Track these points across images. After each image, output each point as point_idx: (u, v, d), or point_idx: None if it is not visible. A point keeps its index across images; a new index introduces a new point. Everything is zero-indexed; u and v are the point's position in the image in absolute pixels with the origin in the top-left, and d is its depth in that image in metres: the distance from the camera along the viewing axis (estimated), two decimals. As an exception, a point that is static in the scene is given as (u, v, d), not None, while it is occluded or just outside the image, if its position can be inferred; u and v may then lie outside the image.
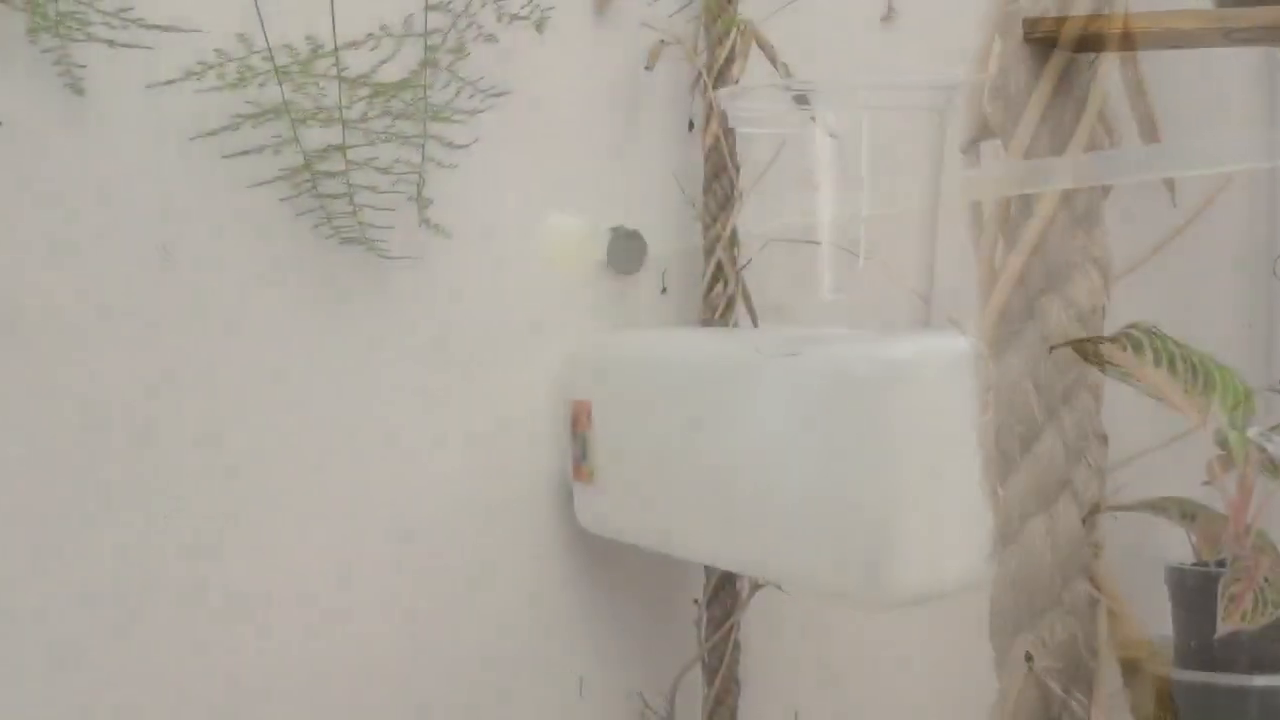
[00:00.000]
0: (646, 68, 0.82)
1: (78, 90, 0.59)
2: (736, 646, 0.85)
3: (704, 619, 0.85)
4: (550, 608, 0.83)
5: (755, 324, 0.79)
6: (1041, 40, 0.61)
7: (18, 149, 0.59)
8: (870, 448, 0.59)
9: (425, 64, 0.69)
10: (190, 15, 0.61)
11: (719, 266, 0.84)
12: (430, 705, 0.77)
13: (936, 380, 0.61)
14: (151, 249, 0.63)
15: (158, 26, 0.58)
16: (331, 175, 0.67)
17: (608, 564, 0.85)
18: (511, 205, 0.79)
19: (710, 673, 0.85)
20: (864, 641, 1.00)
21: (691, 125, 0.84)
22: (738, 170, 0.79)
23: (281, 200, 0.66)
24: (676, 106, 0.83)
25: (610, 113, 0.84)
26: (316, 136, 0.67)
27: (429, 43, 0.70)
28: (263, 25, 0.61)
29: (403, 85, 0.68)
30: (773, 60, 0.83)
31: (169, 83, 0.61)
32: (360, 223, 0.69)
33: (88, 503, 0.62)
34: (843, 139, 0.65)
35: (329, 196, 0.68)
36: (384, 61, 0.68)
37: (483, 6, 0.72)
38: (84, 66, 0.59)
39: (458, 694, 0.78)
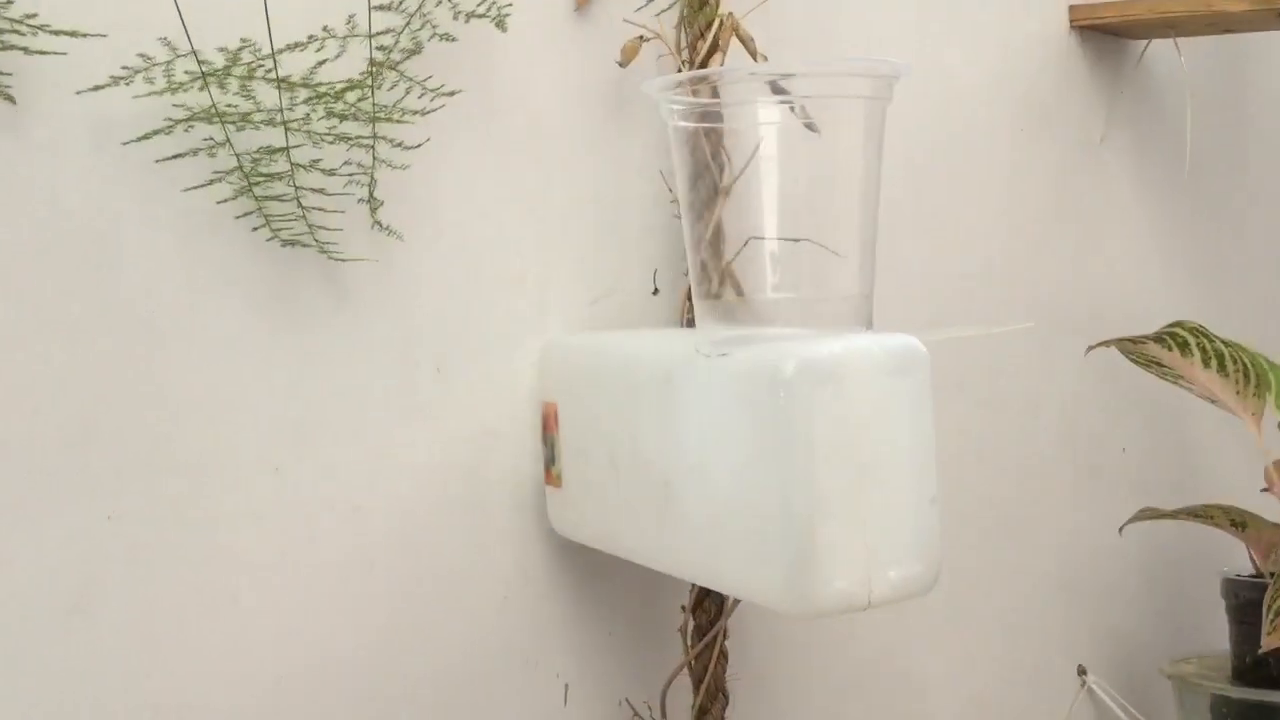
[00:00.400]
0: (619, 64, 0.81)
1: (9, 98, 0.60)
2: (724, 655, 0.83)
3: (690, 626, 0.83)
4: (531, 614, 0.82)
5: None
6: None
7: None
8: (793, 451, 0.56)
9: (372, 64, 0.69)
10: (109, 19, 0.61)
11: (702, 265, 0.82)
12: (407, 716, 0.76)
13: (865, 382, 0.58)
14: (91, 252, 0.64)
15: (66, 32, 0.58)
16: (275, 178, 0.67)
17: (590, 569, 0.83)
18: (478, 204, 0.78)
19: (695, 682, 0.83)
20: (865, 653, 0.96)
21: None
22: (721, 168, 0.77)
23: (218, 204, 0.67)
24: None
25: (588, 111, 0.83)
26: (258, 138, 0.67)
27: (378, 44, 0.70)
28: (185, 26, 0.61)
29: (348, 87, 0.68)
30: (752, 54, 0.81)
31: (97, 89, 0.62)
32: (310, 225, 0.69)
33: (30, 504, 0.63)
34: (791, 131, 0.63)
35: (273, 199, 0.68)
36: (324, 62, 0.68)
37: (437, 5, 0.72)
38: (10, 74, 0.60)
39: (436, 703, 0.78)
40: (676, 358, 0.65)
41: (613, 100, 0.84)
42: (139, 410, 0.66)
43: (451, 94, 0.73)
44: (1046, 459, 1.15)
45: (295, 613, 0.72)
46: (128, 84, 0.63)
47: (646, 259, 0.86)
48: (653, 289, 0.87)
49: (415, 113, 0.72)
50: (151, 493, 0.67)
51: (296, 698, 0.72)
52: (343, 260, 0.72)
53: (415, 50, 0.71)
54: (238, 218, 0.68)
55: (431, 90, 0.72)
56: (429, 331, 0.76)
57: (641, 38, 0.82)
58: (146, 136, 0.64)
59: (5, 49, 0.58)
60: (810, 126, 0.75)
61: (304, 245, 0.70)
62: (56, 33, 0.59)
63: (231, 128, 0.66)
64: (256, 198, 0.67)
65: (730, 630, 0.83)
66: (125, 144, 0.64)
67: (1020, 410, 1.12)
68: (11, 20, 0.57)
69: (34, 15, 0.58)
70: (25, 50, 0.59)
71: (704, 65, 0.80)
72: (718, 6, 0.80)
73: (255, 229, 0.68)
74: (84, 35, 0.60)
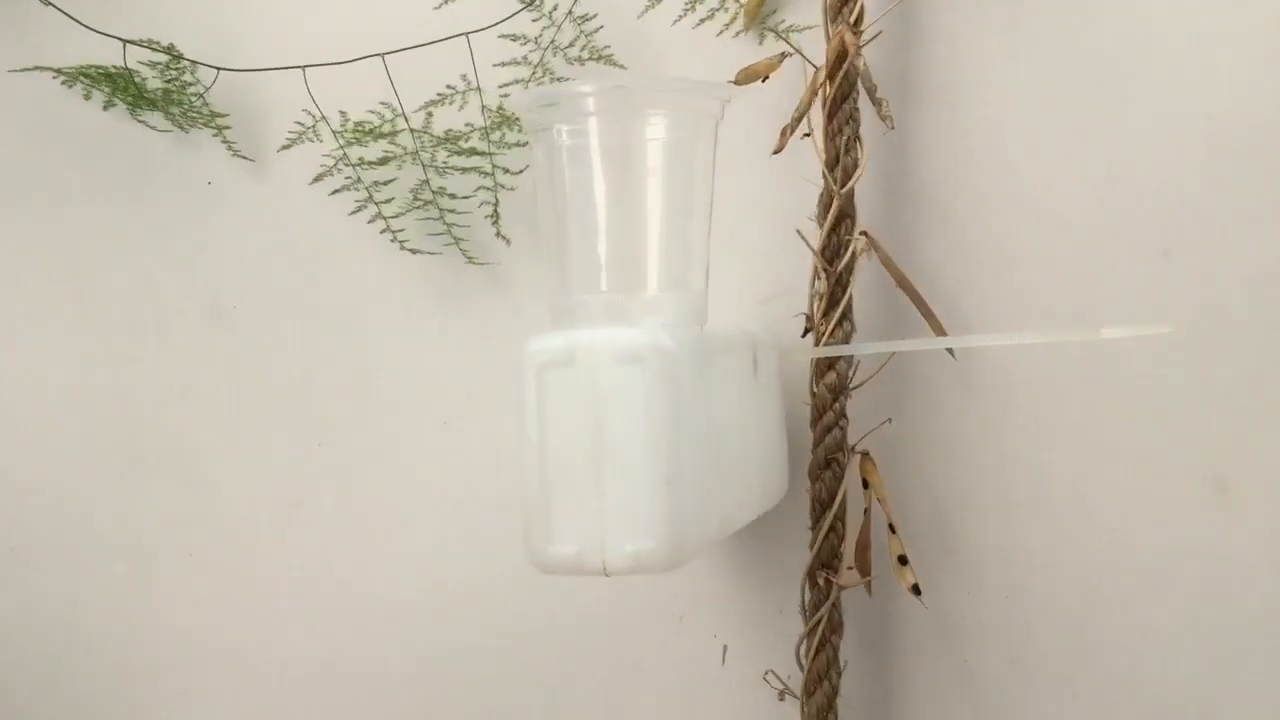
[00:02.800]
0: (733, 82, 0.88)
1: (248, 158, 0.92)
2: (837, 628, 0.85)
3: (805, 598, 0.86)
4: (687, 569, 0.92)
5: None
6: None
7: (224, 198, 0.93)
8: (532, 425, 0.65)
9: (486, 113, 0.88)
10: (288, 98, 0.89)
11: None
12: (569, 673, 0.93)
13: (595, 368, 0.63)
14: (313, 258, 0.93)
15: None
16: (427, 203, 0.90)
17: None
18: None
19: (810, 653, 0.86)
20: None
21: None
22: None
23: (392, 217, 0.91)
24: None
25: (758, 116, 0.89)
26: (411, 175, 0.90)
27: (502, 92, 0.88)
28: (314, 100, 0.87)
29: (469, 132, 0.88)
30: (870, 91, 0.82)
31: (285, 148, 0.91)
32: (454, 239, 0.91)
33: (265, 430, 0.94)
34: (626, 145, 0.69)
35: (427, 220, 0.91)
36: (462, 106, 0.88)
37: (554, 55, 0.88)
38: (235, 143, 0.91)
39: (595, 660, 0.93)
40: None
41: (784, 107, 0.90)
42: (346, 372, 0.93)
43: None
44: None
45: (456, 541, 0.94)
46: (311, 140, 0.90)
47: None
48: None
49: (520, 145, 0.89)
50: (352, 431, 0.94)
51: (455, 615, 0.93)
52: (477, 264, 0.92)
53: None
54: (394, 234, 0.92)
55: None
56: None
57: (784, 54, 0.87)
58: (319, 178, 0.91)
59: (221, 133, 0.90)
60: (889, 121, 0.78)
61: (455, 251, 0.91)
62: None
63: (394, 165, 0.90)
64: (422, 218, 0.89)
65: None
66: (312, 182, 0.91)
67: None
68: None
69: (225, 115, 0.89)
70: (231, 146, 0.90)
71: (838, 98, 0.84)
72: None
73: (403, 245, 0.91)
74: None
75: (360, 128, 0.86)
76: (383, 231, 0.90)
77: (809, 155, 0.84)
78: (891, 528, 0.87)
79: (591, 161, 0.68)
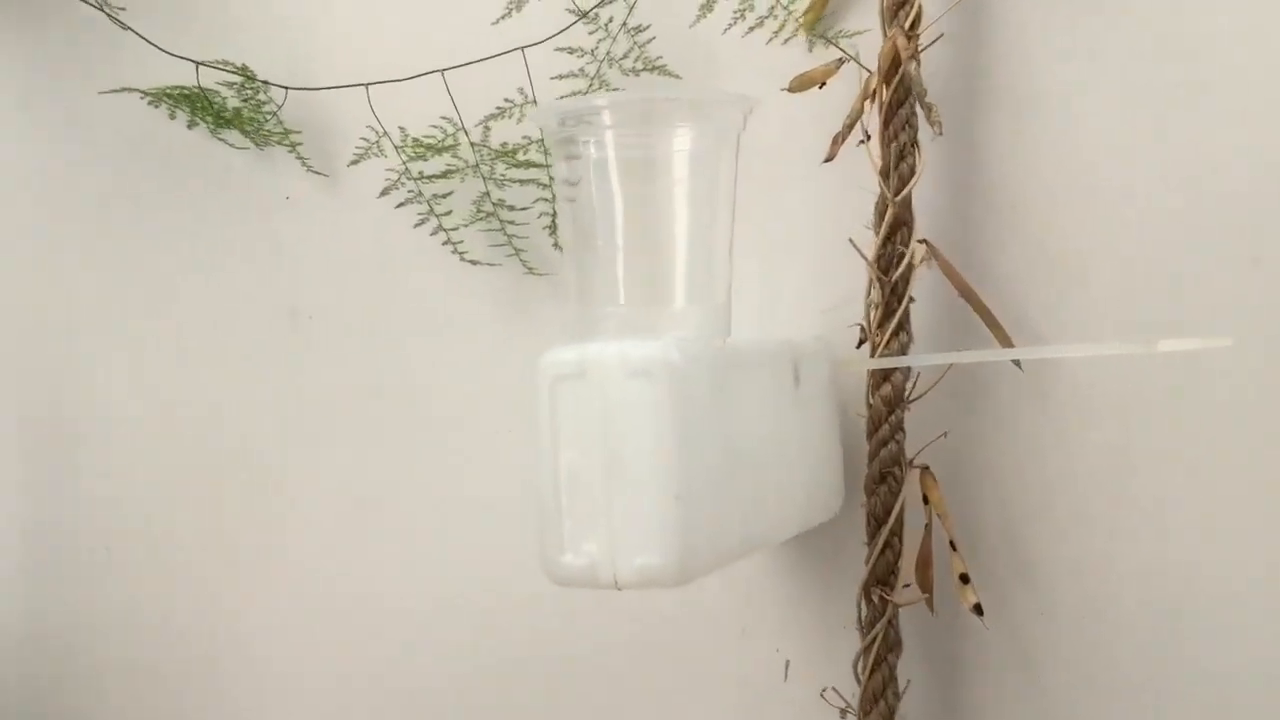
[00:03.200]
0: (787, 89, 0.86)
1: (322, 173, 0.95)
2: (894, 645, 0.84)
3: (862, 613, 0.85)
4: (747, 583, 0.92)
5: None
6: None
7: (300, 211, 0.97)
8: (546, 437, 0.65)
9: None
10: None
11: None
12: (630, 685, 0.93)
13: (606, 381, 0.63)
14: (382, 265, 0.96)
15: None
16: (486, 215, 0.91)
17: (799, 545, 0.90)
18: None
19: (867, 671, 0.84)
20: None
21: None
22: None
23: (443, 244, 0.93)
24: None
25: (821, 125, 0.88)
26: (471, 188, 0.92)
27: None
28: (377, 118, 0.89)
29: (528, 145, 0.89)
30: (927, 110, 0.80)
31: (353, 163, 0.93)
32: (515, 249, 0.92)
33: (332, 431, 0.97)
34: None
35: (488, 231, 0.92)
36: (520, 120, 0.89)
37: (609, 67, 0.88)
38: (309, 159, 0.94)
39: (657, 671, 0.93)
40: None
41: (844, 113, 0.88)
42: (412, 378, 0.96)
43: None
44: None
45: (519, 548, 0.94)
46: (376, 155, 0.92)
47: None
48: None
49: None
50: (417, 434, 0.96)
51: (517, 621, 0.94)
52: (539, 274, 0.92)
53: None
54: (454, 246, 0.93)
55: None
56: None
57: (841, 60, 0.86)
58: (385, 192, 0.93)
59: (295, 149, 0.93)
60: (937, 127, 0.76)
61: (537, 271, 0.92)
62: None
63: (456, 178, 0.91)
64: (485, 229, 0.91)
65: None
66: (379, 196, 0.94)
67: None
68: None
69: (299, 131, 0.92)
70: (305, 164, 0.93)
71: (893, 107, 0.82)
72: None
73: (464, 256, 0.93)
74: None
75: (419, 143, 0.88)
76: (444, 243, 0.91)
77: (869, 162, 0.82)
78: (953, 544, 0.84)
79: (608, 174, 0.68)
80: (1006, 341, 0.84)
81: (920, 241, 0.84)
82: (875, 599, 0.83)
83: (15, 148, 1.01)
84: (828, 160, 0.83)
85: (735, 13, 0.84)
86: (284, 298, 0.97)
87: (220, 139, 0.94)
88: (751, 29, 0.85)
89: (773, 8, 0.83)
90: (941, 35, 0.85)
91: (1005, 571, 0.87)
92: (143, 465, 0.99)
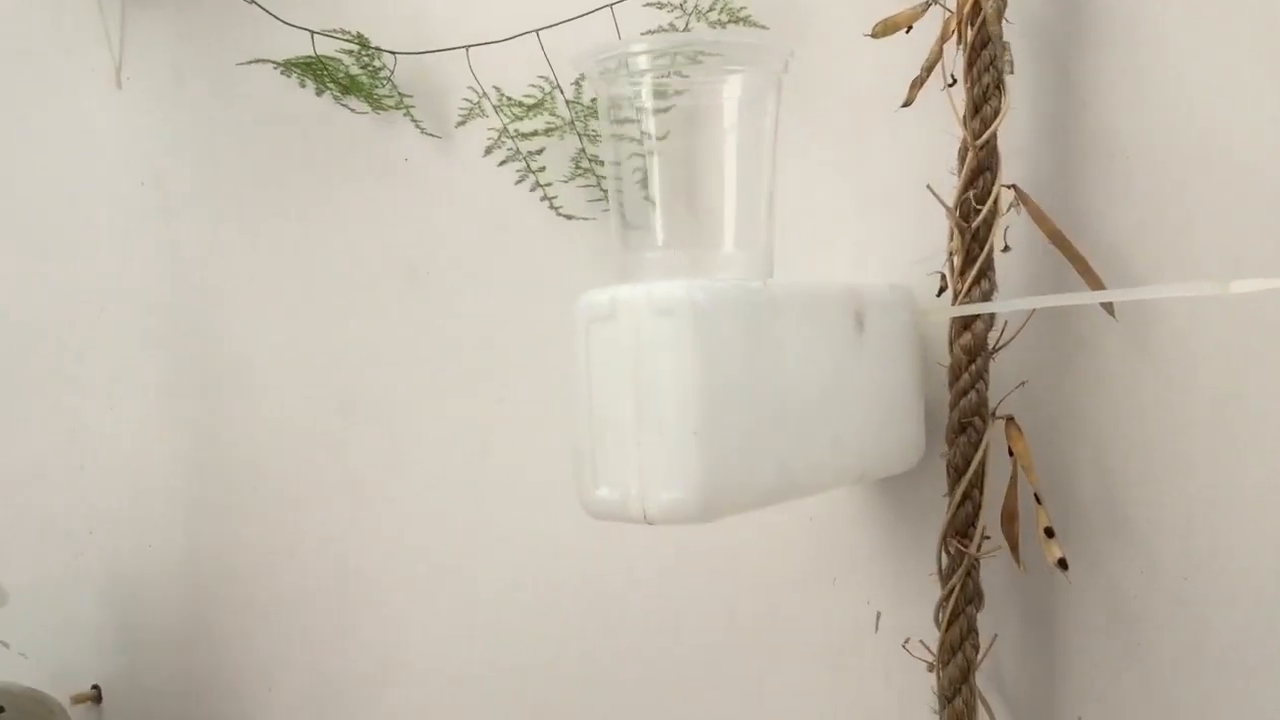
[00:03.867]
0: (870, 35, 0.85)
1: (436, 135, 1.00)
2: (976, 597, 0.83)
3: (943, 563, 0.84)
4: (837, 533, 0.93)
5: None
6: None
7: (417, 172, 1.02)
8: (580, 376, 0.68)
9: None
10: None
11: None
12: (722, 635, 0.95)
13: (635, 320, 0.65)
14: (497, 224, 1.00)
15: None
16: (584, 171, 0.94)
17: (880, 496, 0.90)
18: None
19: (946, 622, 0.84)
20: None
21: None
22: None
23: (540, 200, 0.96)
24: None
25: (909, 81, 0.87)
26: (570, 145, 0.95)
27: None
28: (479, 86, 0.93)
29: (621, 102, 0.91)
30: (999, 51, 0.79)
31: (460, 124, 0.98)
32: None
33: (460, 385, 1.02)
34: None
35: (587, 187, 0.95)
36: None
37: (697, 20, 0.89)
38: (423, 122, 0.99)
39: (753, 618, 0.95)
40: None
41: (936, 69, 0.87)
42: (523, 331, 0.99)
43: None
44: None
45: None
46: (480, 116, 0.96)
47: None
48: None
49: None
50: (530, 385, 1.00)
51: (622, 565, 0.97)
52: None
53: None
54: (550, 201, 0.96)
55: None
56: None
57: (928, 3, 0.84)
58: (489, 151, 0.97)
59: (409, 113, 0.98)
60: (1009, 66, 0.76)
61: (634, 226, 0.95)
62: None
63: (555, 136, 0.94)
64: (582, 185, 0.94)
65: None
66: (484, 155, 0.98)
67: None
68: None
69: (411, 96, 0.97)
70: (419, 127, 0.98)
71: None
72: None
73: (559, 211, 0.96)
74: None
75: (517, 103, 0.91)
76: (542, 200, 0.94)
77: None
78: (1037, 497, 0.82)
79: (644, 118, 0.70)
80: (1098, 286, 0.82)
81: (1008, 187, 0.83)
82: (952, 551, 0.82)
83: (172, 117, 1.10)
84: (905, 105, 0.82)
85: (808, -41, 0.83)
86: (404, 255, 1.02)
87: (344, 105, 1.00)
88: (826, -26, 0.84)
89: (845, -48, 0.82)
90: (1030, -25, 0.83)
91: (1102, 528, 0.84)
92: (279, 411, 1.06)
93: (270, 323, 1.06)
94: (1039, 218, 0.82)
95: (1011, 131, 0.84)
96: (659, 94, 0.70)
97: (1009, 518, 0.84)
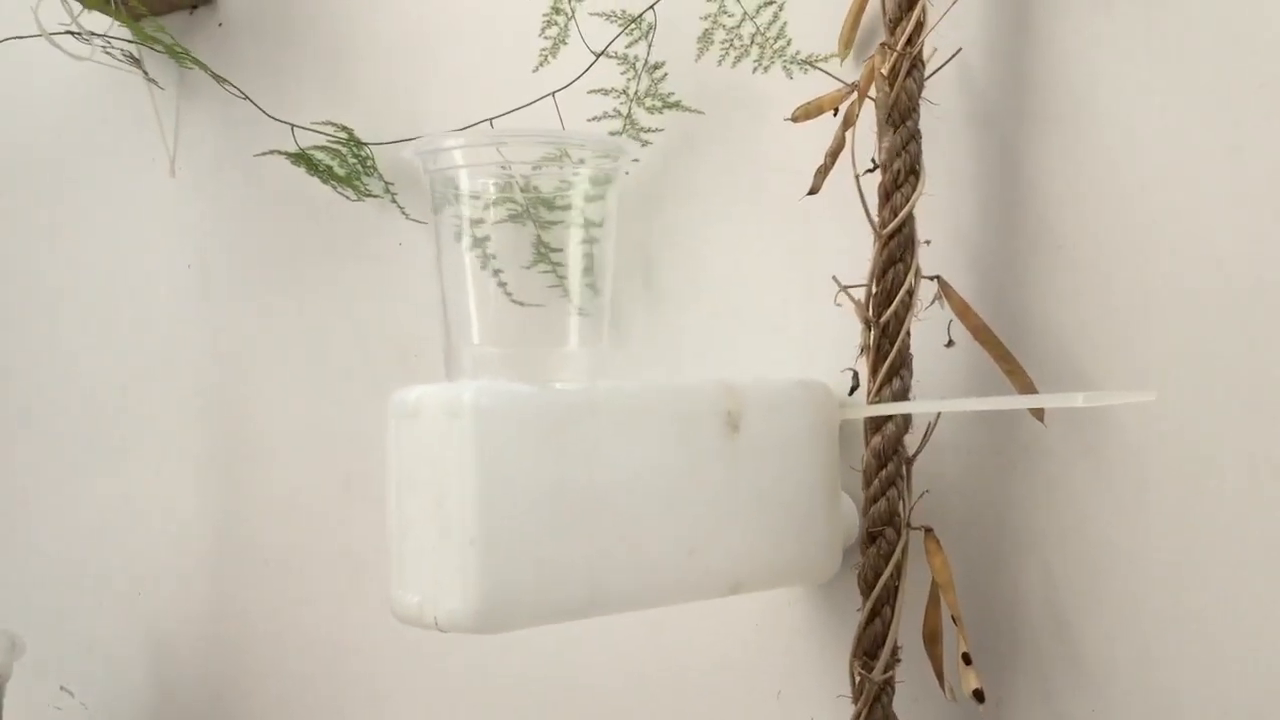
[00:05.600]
0: (790, 119, 0.81)
1: (421, 221, 1.01)
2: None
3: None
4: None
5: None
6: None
7: (408, 255, 1.04)
8: (388, 475, 0.67)
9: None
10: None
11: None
12: None
13: (431, 421, 0.63)
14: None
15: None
16: (540, 259, 0.94)
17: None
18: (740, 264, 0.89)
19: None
20: None
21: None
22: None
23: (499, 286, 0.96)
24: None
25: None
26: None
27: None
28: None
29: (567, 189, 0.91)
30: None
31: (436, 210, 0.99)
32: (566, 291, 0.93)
33: None
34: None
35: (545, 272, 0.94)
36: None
37: (638, 106, 0.88)
38: (407, 208, 1.01)
39: None
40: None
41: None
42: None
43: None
44: None
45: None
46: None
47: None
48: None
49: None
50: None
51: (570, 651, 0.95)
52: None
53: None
54: (504, 287, 0.96)
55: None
56: (690, 366, 0.90)
57: (854, 86, 0.80)
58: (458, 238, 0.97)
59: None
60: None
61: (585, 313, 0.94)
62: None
63: (516, 224, 0.94)
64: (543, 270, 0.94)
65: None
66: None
67: None
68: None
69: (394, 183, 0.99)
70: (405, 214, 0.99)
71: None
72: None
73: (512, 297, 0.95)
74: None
75: (472, 194, 0.92)
76: (500, 285, 0.94)
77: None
78: (955, 619, 0.75)
79: (460, 214, 0.69)
80: (1027, 387, 0.74)
81: (931, 278, 0.77)
82: (855, 677, 0.75)
83: (212, 203, 1.16)
84: (811, 193, 0.78)
85: (723, 48, 0.80)
86: (396, 337, 1.04)
87: (341, 193, 1.03)
88: (738, 60, 0.81)
89: (754, 36, 0.78)
90: (960, 50, 0.77)
91: (1052, 657, 0.76)
92: (289, 485, 1.10)
93: (286, 399, 1.10)
94: (963, 312, 0.76)
95: (954, 218, 0.78)
96: (474, 193, 0.69)
97: (931, 639, 0.77)
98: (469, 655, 1.01)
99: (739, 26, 0.76)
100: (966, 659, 0.74)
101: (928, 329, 0.78)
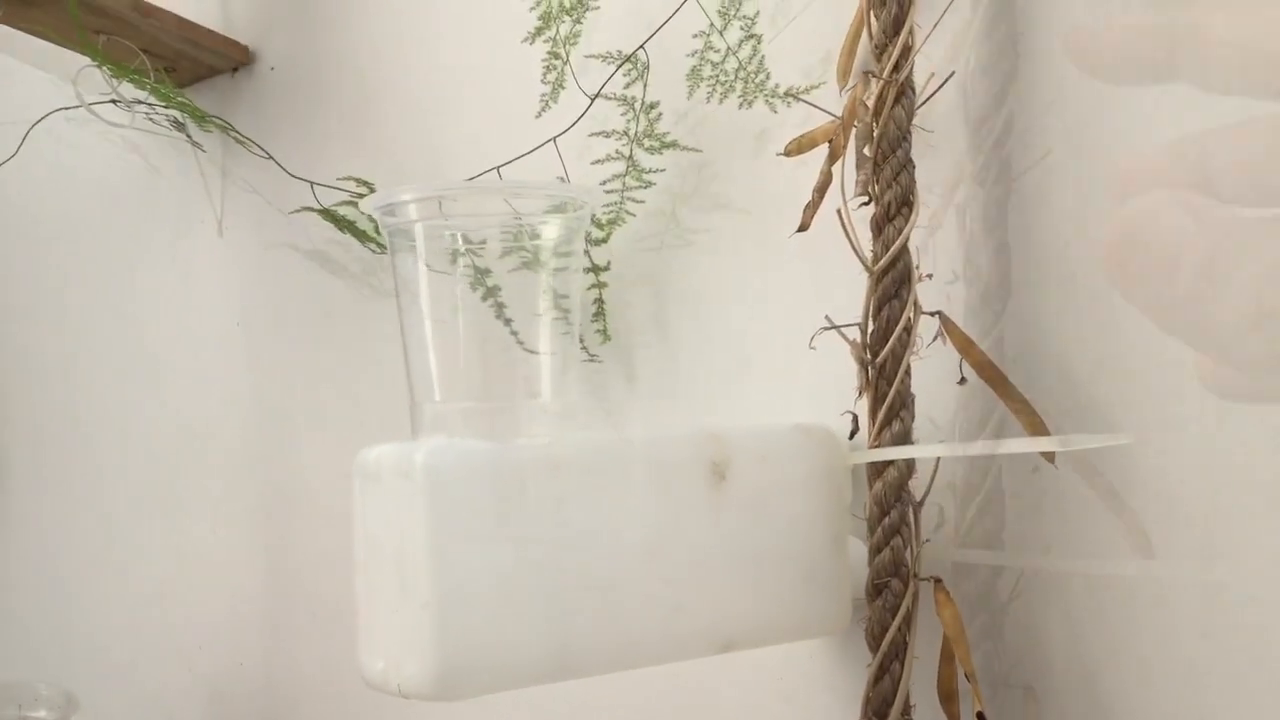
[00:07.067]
0: (783, 154, 0.78)
1: (445, 272, 1.01)
2: None
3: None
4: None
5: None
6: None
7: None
8: (356, 537, 0.65)
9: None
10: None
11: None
12: None
13: (389, 482, 0.62)
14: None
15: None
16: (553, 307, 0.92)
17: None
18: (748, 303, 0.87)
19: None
20: None
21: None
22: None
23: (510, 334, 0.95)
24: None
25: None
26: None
27: (607, 189, 0.89)
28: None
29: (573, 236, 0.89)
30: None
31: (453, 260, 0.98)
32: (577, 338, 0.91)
33: None
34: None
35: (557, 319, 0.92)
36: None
37: (638, 147, 0.86)
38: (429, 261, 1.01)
39: None
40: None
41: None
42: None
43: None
44: None
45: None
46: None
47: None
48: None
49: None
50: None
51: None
52: (596, 361, 0.91)
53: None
54: (515, 334, 0.94)
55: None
56: (701, 412, 0.87)
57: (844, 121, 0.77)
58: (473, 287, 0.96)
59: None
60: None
61: (596, 359, 0.92)
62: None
63: (520, 273, 0.93)
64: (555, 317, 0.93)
65: None
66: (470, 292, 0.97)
67: None
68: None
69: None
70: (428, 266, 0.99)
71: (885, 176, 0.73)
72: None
73: (522, 344, 0.93)
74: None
75: (480, 242, 0.91)
76: (510, 334, 0.93)
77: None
78: (968, 676, 0.71)
79: (417, 268, 0.67)
80: (1038, 429, 0.70)
81: (932, 314, 0.73)
82: (864, 735, 0.71)
83: (255, 260, 1.18)
84: (800, 230, 0.75)
85: (709, 85, 0.78)
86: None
87: (367, 246, 1.04)
88: (723, 98, 0.78)
89: (738, 71, 0.76)
90: (953, 73, 0.73)
91: (1078, 714, 0.71)
92: (328, 537, 1.10)
93: (326, 450, 1.10)
94: (966, 349, 0.72)
95: (954, 253, 0.74)
96: (430, 247, 0.68)
97: (946, 697, 0.72)
98: (529, 696, 0.99)
99: (723, 62, 0.73)
100: (981, 718, 0.69)
101: (937, 365, 0.74)
